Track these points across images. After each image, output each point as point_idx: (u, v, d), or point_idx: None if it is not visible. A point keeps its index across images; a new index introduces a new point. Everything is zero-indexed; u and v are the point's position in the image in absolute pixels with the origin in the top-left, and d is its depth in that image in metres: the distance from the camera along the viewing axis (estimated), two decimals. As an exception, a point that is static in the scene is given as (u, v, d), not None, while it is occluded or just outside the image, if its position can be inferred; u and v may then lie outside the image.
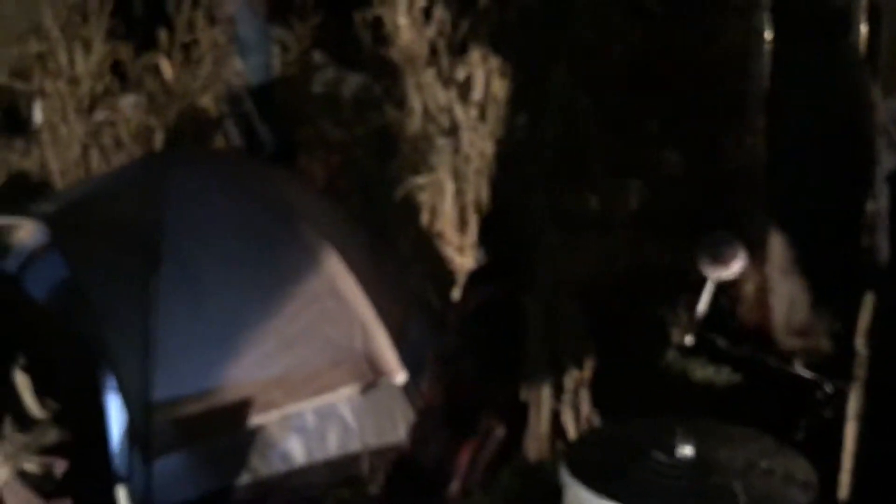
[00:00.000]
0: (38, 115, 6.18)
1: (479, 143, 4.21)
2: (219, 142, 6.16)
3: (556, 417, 3.31)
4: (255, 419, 3.27)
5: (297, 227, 3.70)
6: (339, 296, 3.55)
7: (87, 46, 5.81)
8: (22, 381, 2.03)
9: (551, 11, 3.92)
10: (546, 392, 3.27)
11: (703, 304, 4.21)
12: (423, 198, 4.48)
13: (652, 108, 4.08)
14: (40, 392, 2.02)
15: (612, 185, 4.01)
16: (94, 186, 4.02)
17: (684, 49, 4.26)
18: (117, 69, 6.16)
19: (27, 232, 3.58)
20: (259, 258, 3.61)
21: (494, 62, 4.19)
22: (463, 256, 4.28)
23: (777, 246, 3.95)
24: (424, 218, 4.46)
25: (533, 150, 3.90)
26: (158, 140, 5.84)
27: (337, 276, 3.57)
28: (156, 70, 5.98)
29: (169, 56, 5.87)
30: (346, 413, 3.44)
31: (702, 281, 4.14)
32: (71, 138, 5.86)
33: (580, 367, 3.29)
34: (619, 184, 4.07)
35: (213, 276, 3.46)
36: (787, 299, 3.86)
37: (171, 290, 3.31)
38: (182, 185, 3.62)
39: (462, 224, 4.31)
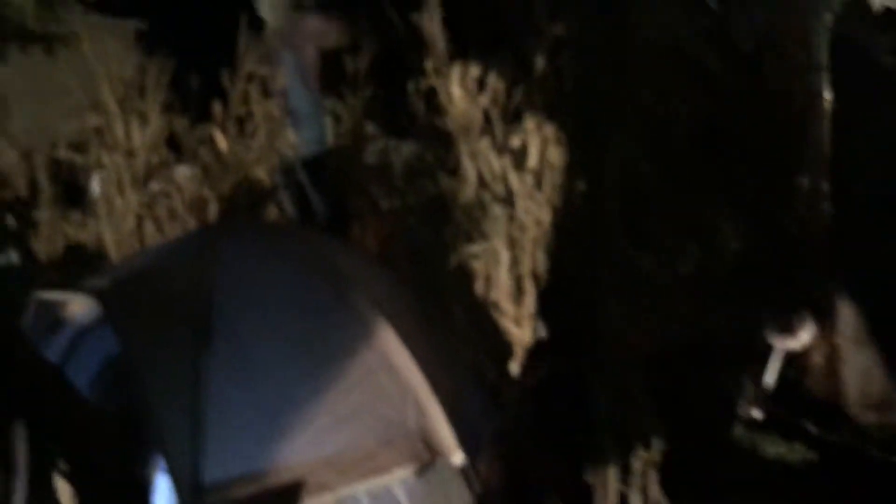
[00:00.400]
0: (95, 187, 6.28)
1: (536, 211, 4.10)
2: (272, 212, 6.18)
3: (622, 500, 3.11)
4: (308, 502, 3.13)
5: (350, 300, 3.61)
6: (392, 371, 3.43)
7: (144, 120, 5.91)
8: (64, 491, 1.93)
9: (610, 76, 3.83)
10: (612, 473, 3.08)
11: (770, 376, 4.02)
12: (478, 267, 4.36)
13: (715, 172, 3.93)
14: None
15: (675, 251, 3.85)
16: (147, 260, 3.99)
17: (747, 112, 4.13)
18: (173, 141, 6.27)
19: (79, 307, 3.55)
20: (312, 332, 3.52)
21: (550, 129, 4.10)
22: (520, 328, 4.13)
23: (848, 315, 3.76)
24: (479, 288, 4.34)
25: (592, 218, 3.77)
26: (212, 211, 5.87)
27: (391, 350, 3.45)
28: (210, 142, 6.06)
29: (223, 128, 5.94)
30: (402, 496, 3.27)
31: (768, 351, 3.97)
32: (126, 210, 5.92)
33: (648, 447, 3.10)
34: (683, 250, 3.91)
35: (265, 352, 3.37)
36: (860, 371, 3.65)
37: (222, 366, 3.22)
38: (234, 259, 3.56)
39: (518, 294, 4.17)
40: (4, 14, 7.66)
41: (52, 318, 3.67)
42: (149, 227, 5.94)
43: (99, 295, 3.30)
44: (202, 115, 6.12)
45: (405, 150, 5.48)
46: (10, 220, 7.04)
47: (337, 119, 6.08)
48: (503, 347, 4.06)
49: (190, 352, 3.20)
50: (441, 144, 4.86)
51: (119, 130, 5.91)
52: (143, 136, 5.90)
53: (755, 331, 4.13)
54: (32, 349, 1.34)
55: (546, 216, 4.08)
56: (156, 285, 3.44)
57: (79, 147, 6.36)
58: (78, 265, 6.37)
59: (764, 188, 4.25)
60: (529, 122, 4.20)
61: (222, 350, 3.26)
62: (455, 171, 4.61)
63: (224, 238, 3.68)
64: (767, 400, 3.98)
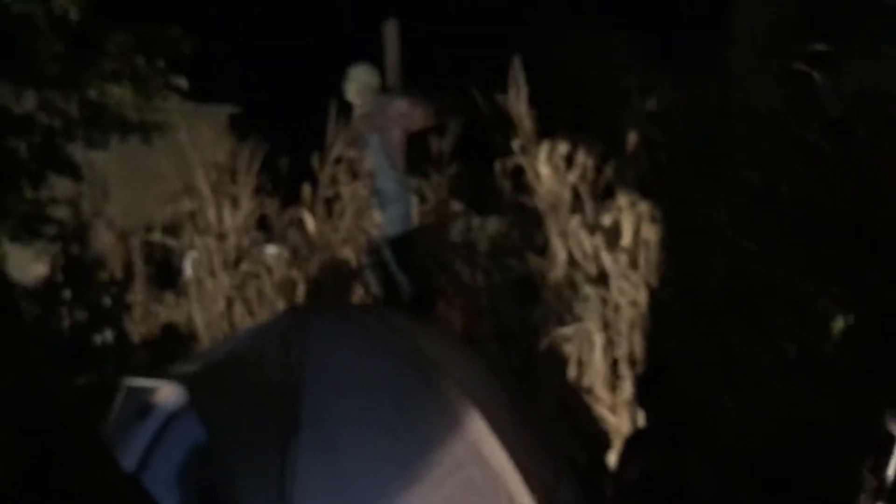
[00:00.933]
0: (188, 269, 6.41)
1: (631, 292, 3.92)
2: (359, 292, 6.17)
3: None
4: None
5: (438, 386, 3.50)
6: (483, 462, 3.27)
7: (235, 203, 6.04)
8: None
9: (705, 149, 3.67)
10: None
11: (893, 468, 3.66)
12: (570, 350, 4.19)
13: (821, 249, 3.69)
14: None
15: (782, 333, 3.59)
16: (235, 345, 3.97)
17: (849, 184, 3.90)
18: (263, 223, 6.38)
19: (168, 394, 3.53)
20: (399, 420, 3.41)
21: (644, 206, 3.95)
22: (616, 416, 3.91)
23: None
24: (572, 372, 4.16)
25: (694, 299, 3.56)
26: (300, 292, 5.90)
27: (481, 440, 3.29)
28: (299, 223, 6.13)
29: (312, 210, 6.01)
30: None
31: (889, 440, 3.62)
32: (217, 291, 6.01)
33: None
34: (791, 332, 3.65)
35: (353, 441, 3.27)
36: None
37: (308, 454, 3.12)
38: (321, 344, 3.50)
39: (614, 380, 3.97)
40: (105, 104, 8.08)
41: (142, 405, 3.65)
42: (238, 309, 6.01)
43: (187, 382, 3.27)
44: (292, 197, 6.23)
45: (491, 229, 5.40)
46: (106, 301, 7.25)
47: (423, 198, 6.08)
48: (599, 437, 3.85)
49: (277, 441, 3.13)
50: (528, 222, 4.77)
51: (211, 214, 6.05)
52: (235, 219, 6.02)
53: (873, 418, 3.80)
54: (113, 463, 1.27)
55: (642, 297, 3.90)
56: (243, 372, 3.40)
57: (173, 230, 6.54)
58: (170, 346, 6.47)
59: (873, 264, 3.97)
60: (621, 199, 4.07)
61: (309, 438, 3.17)
62: (543, 249, 4.49)
63: (311, 322, 3.63)
64: (890, 495, 3.62)
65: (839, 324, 3.94)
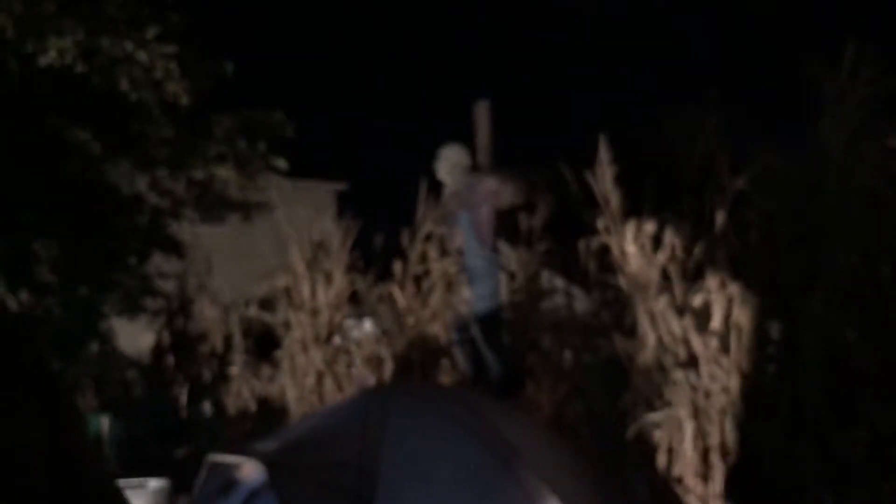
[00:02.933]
0: (284, 344, 6.55)
1: (722, 378, 3.74)
2: (446, 369, 6.14)
3: None
4: None
5: (518, 474, 3.41)
6: (562, 553, 3.13)
7: (329, 279, 6.17)
8: None
9: (800, 230, 3.52)
10: None
11: None
12: (660, 437, 4.01)
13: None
14: None
15: (889, 429, 3.33)
16: (316, 423, 4.00)
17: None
18: (354, 298, 6.48)
19: (249, 471, 3.57)
20: (476, 506, 3.33)
21: (735, 288, 3.79)
22: (708, 509, 3.70)
23: None
24: (661, 460, 3.97)
25: (790, 387, 3.36)
26: (388, 368, 5.92)
27: (560, 530, 3.17)
28: (390, 299, 6.19)
29: (402, 286, 6.07)
30: None
31: None
32: (308, 366, 6.10)
33: None
34: (899, 427, 3.37)
35: (428, 524, 3.21)
36: None
37: (384, 538, 3.08)
38: (401, 427, 3.48)
39: (706, 470, 3.76)
40: (210, 185, 8.52)
41: (225, 480, 3.70)
42: (328, 383, 6.08)
43: (267, 461, 3.29)
44: (384, 274, 6.33)
45: (580, 308, 5.30)
46: (206, 374, 7.47)
47: (512, 275, 6.05)
48: (690, 530, 3.64)
49: (351, 524, 3.10)
50: (617, 302, 4.65)
51: (305, 290, 6.19)
52: (327, 295, 6.14)
53: None
54: None
55: (734, 383, 3.71)
56: (322, 452, 3.40)
57: (269, 305, 6.73)
58: (262, 419, 6.58)
59: None
60: (711, 281, 3.92)
61: (384, 522, 3.13)
62: (632, 331, 4.36)
63: (391, 404, 3.62)
64: None
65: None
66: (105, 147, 7.57)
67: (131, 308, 8.34)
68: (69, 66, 7.20)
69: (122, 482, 5.00)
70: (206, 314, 7.64)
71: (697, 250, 3.99)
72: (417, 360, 5.87)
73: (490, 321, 5.86)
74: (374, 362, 5.87)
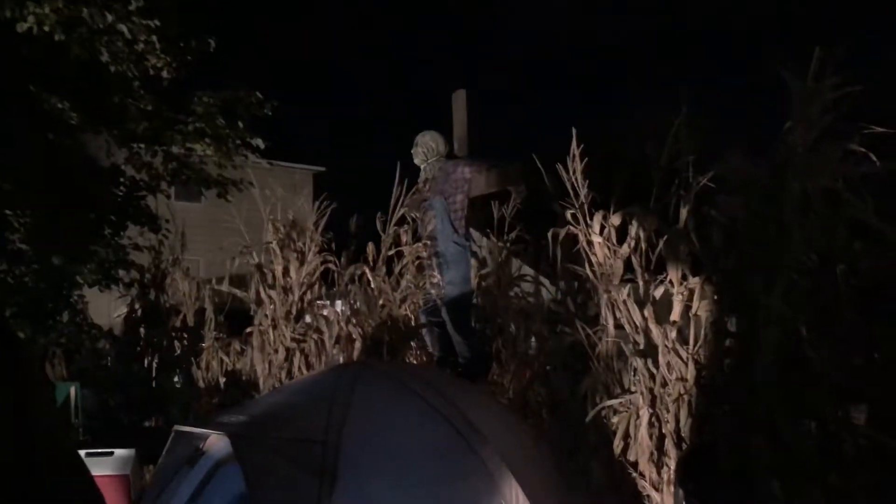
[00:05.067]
0: (255, 320, 6.61)
1: (680, 368, 3.87)
2: (415, 350, 6.25)
3: None
4: None
5: (480, 455, 3.53)
6: (518, 531, 3.26)
7: (301, 259, 6.24)
8: None
9: (761, 230, 3.63)
10: None
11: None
12: (617, 422, 4.14)
13: (881, 338, 3.57)
14: None
15: (840, 422, 3.47)
16: (282, 398, 4.08)
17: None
18: (326, 278, 6.55)
19: (215, 443, 3.65)
20: (438, 483, 3.45)
21: (695, 282, 3.92)
22: (660, 494, 3.83)
23: None
24: (617, 445, 4.10)
25: (745, 379, 3.49)
26: (358, 348, 6.01)
27: (518, 508, 3.29)
28: (361, 280, 6.27)
29: (374, 268, 6.16)
30: None
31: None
32: (278, 343, 6.17)
33: None
34: (849, 422, 3.52)
35: (389, 500, 3.32)
36: None
37: (345, 511, 3.18)
38: (365, 404, 3.58)
39: (659, 456, 3.90)
40: (189, 161, 8.54)
41: (191, 451, 3.79)
42: (297, 360, 6.16)
43: (233, 433, 3.37)
44: (356, 256, 6.40)
45: (547, 295, 5.42)
46: (177, 347, 7.52)
47: (482, 262, 6.15)
48: (641, 513, 3.77)
49: (313, 497, 3.19)
50: (582, 291, 4.77)
51: (278, 268, 6.26)
52: (300, 274, 6.21)
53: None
54: None
55: (691, 374, 3.84)
56: (289, 427, 3.49)
57: (242, 281, 6.78)
58: (231, 393, 6.66)
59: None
60: (673, 274, 4.05)
61: (346, 495, 3.23)
62: (595, 319, 4.48)
63: (357, 381, 3.71)
64: None
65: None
66: (83, 117, 7.55)
67: (105, 279, 8.35)
68: (48, 35, 7.17)
69: (89, 451, 5.07)
70: (180, 288, 7.67)
71: (661, 244, 4.10)
72: (387, 340, 5.96)
73: (459, 306, 5.98)
74: (345, 341, 5.95)
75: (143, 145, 8.36)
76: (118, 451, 5.14)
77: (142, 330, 7.77)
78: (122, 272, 8.50)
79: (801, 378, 3.52)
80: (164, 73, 7.76)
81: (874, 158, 3.52)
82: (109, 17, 7.21)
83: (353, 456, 3.34)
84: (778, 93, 3.87)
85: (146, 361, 7.60)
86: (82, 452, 5.06)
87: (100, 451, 5.18)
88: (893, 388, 3.59)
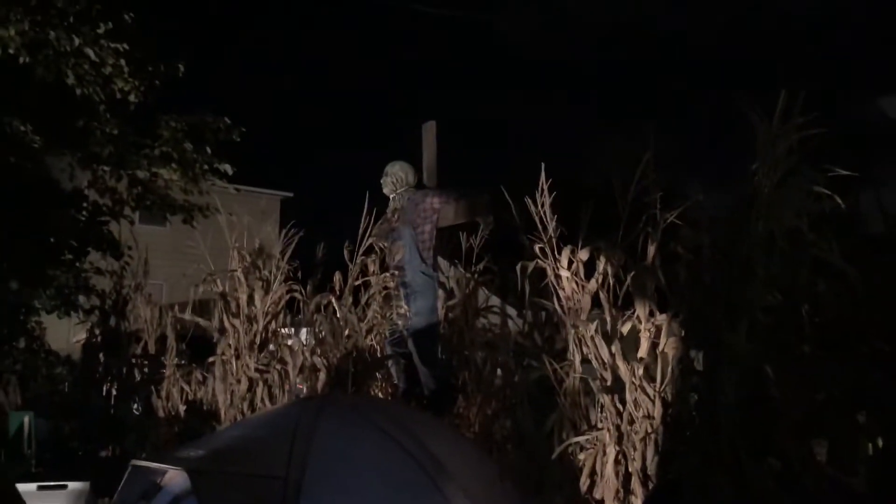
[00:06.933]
0: (218, 349, 6.49)
1: (647, 405, 3.86)
2: (380, 382, 6.18)
3: None
4: None
5: (444, 490, 3.46)
6: (482, 571, 3.19)
7: (267, 287, 6.15)
8: None
9: (725, 267, 3.66)
10: None
11: None
12: (583, 459, 4.11)
13: (846, 376, 3.60)
14: None
15: (802, 461, 3.47)
16: (243, 432, 3.99)
17: (876, 310, 3.81)
18: (292, 307, 6.46)
19: (172, 478, 3.55)
20: (400, 520, 3.38)
21: (662, 318, 3.93)
22: (625, 532, 3.81)
23: None
24: (583, 482, 4.07)
25: (710, 418, 3.48)
26: (322, 378, 5.92)
27: (482, 548, 3.23)
28: (327, 310, 6.20)
29: (339, 298, 6.09)
30: None
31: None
32: (240, 373, 6.06)
33: None
34: (812, 461, 3.52)
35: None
36: None
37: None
38: (329, 438, 3.51)
39: (625, 494, 3.87)
40: (154, 186, 8.42)
41: (147, 486, 3.68)
42: (260, 391, 6.04)
43: (191, 469, 3.28)
44: (322, 285, 6.33)
45: (513, 327, 5.40)
46: (137, 375, 7.35)
47: (449, 293, 6.12)
48: (605, 553, 3.73)
49: (273, 534, 3.11)
50: (549, 325, 4.76)
51: (243, 296, 6.16)
52: (264, 302, 6.12)
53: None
54: None
55: (658, 411, 3.83)
56: (249, 462, 3.40)
57: (205, 309, 6.66)
58: (191, 423, 6.50)
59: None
60: (640, 310, 4.05)
61: (307, 534, 3.15)
62: (563, 354, 4.46)
63: (319, 416, 3.64)
64: None
65: (865, 453, 3.81)
66: (46, 140, 7.42)
67: (64, 305, 8.17)
68: (13, 57, 7.06)
69: (41, 484, 4.89)
70: (141, 314, 7.52)
71: (628, 280, 4.11)
72: (352, 371, 5.88)
73: (426, 337, 5.94)
74: (309, 372, 5.87)
75: (107, 168, 8.24)
76: (72, 485, 4.98)
77: (101, 356, 7.59)
78: (81, 298, 8.32)
79: (764, 415, 3.53)
80: (132, 97, 7.69)
81: (838, 200, 3.57)
82: (77, 41, 7.13)
83: (314, 492, 3.27)
84: (747, 127, 3.92)
85: (104, 389, 7.41)
86: (34, 485, 4.90)
87: (53, 483, 5.02)
88: (852, 425, 3.61)
